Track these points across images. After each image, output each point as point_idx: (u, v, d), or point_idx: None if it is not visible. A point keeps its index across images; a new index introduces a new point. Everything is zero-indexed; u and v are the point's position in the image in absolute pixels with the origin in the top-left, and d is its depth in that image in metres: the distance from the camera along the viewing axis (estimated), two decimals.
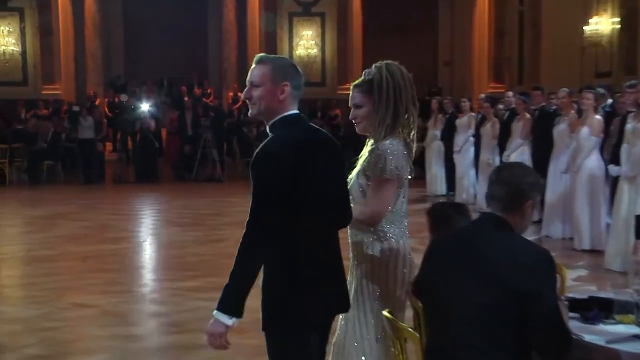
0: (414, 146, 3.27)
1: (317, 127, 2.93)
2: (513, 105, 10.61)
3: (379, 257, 3.17)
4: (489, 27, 20.66)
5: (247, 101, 2.83)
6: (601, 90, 9.23)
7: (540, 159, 9.16)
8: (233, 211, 10.96)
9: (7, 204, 13.09)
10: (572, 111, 8.75)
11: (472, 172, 11.98)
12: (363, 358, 3.16)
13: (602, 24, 15.86)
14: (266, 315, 2.73)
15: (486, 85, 20.25)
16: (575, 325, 2.82)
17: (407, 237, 3.24)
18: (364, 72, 3.25)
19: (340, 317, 3.20)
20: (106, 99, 19.66)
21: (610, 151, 7.85)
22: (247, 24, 21.01)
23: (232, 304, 2.65)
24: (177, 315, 5.86)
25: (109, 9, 21.76)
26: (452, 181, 12.63)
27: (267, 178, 2.64)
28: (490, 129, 11.02)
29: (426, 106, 13.64)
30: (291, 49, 20.52)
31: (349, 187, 3.09)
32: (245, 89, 2.83)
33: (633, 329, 2.83)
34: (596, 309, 2.97)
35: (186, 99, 18.12)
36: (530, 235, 7.48)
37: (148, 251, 8.64)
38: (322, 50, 20.85)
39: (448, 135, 12.61)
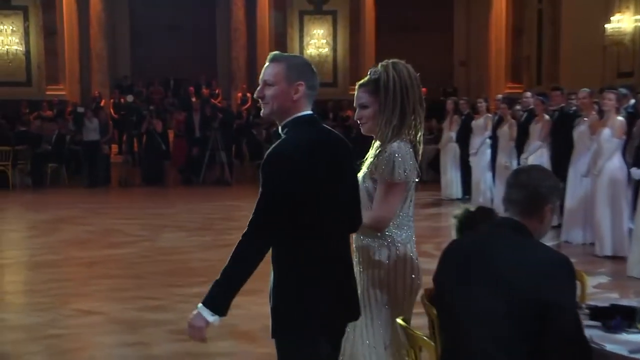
0: (421, 148, 3.26)
1: (329, 128, 2.94)
2: (531, 106, 10.58)
3: (387, 262, 3.17)
4: (507, 25, 20.63)
5: (260, 100, 2.83)
6: (623, 90, 9.19)
7: (560, 161, 9.13)
8: (242, 215, 10.96)
9: (10, 208, 13.17)
10: (593, 112, 8.72)
11: (489, 175, 11.95)
12: None
13: (625, 21, 15.80)
14: (275, 322, 2.74)
15: (503, 85, 20.21)
16: (596, 334, 2.81)
17: (413, 241, 3.25)
18: (369, 71, 3.25)
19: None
20: (112, 100, 19.72)
21: (633, 153, 7.82)
22: (257, 23, 21.05)
23: (218, 302, 2.67)
24: (184, 322, 5.84)
25: (115, 8, 21.84)
26: (468, 185, 12.61)
27: (279, 179, 2.65)
28: (508, 131, 10.99)
29: (441, 107, 13.63)
30: (302, 48, 20.54)
31: None
32: (258, 88, 2.84)
33: None
34: (618, 318, 2.95)
35: (194, 99, 18.17)
36: (549, 241, 7.46)
37: (154, 256, 8.67)
38: (334, 49, 20.86)
39: (464, 137, 12.58)
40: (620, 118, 8.15)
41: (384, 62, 3.21)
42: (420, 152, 3.26)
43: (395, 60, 3.21)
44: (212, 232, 10.00)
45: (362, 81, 3.28)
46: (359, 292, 3.20)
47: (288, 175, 2.64)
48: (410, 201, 3.22)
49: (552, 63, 17.99)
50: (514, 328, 2.45)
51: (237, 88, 20.61)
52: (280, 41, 20.11)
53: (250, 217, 2.68)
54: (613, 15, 16.00)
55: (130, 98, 18.83)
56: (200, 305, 2.68)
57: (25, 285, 7.62)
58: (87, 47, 20.45)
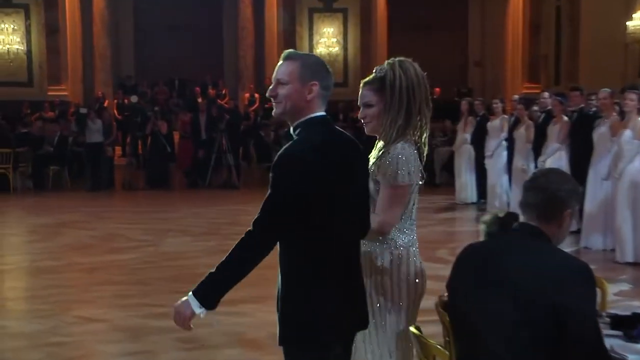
0: (425, 150, 3.26)
1: (341, 129, 2.94)
2: (549, 107, 10.56)
3: (389, 267, 3.17)
4: (524, 23, 20.58)
5: (272, 99, 2.84)
6: None
7: (579, 164, 9.10)
8: (249, 220, 10.88)
9: (10, 212, 13.23)
10: (614, 113, 8.69)
11: (505, 178, 11.93)
12: None
13: None
14: (283, 329, 2.75)
15: (520, 85, 20.16)
16: (617, 344, 2.79)
17: (416, 245, 3.24)
18: (375, 69, 3.25)
19: None
20: (115, 101, 19.79)
21: None
22: (265, 21, 21.07)
23: (209, 295, 2.71)
24: (190, 330, 5.87)
25: (118, 6, 21.94)
26: (483, 188, 12.58)
27: (290, 181, 2.67)
28: (525, 133, 10.97)
29: (455, 108, 13.61)
30: (311, 47, 20.56)
31: None
32: (271, 86, 2.84)
33: None
34: None
35: (200, 100, 18.21)
36: (567, 247, 7.44)
37: (158, 262, 8.68)
38: (345, 48, 20.88)
39: (479, 139, 12.55)
40: None
41: (390, 60, 3.22)
42: (425, 154, 3.26)
43: (401, 58, 3.21)
44: (218, 237, 10.00)
45: (367, 79, 3.28)
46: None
47: (300, 177, 2.66)
48: (414, 204, 3.22)
49: (570, 61, 17.94)
50: (531, 336, 2.44)
51: (245, 88, 20.63)
52: (289, 40, 20.12)
53: (256, 217, 2.69)
54: (635, 12, 15.94)
55: (134, 99, 18.89)
56: (190, 294, 2.73)
57: (26, 292, 7.66)
58: (90, 46, 20.51)
